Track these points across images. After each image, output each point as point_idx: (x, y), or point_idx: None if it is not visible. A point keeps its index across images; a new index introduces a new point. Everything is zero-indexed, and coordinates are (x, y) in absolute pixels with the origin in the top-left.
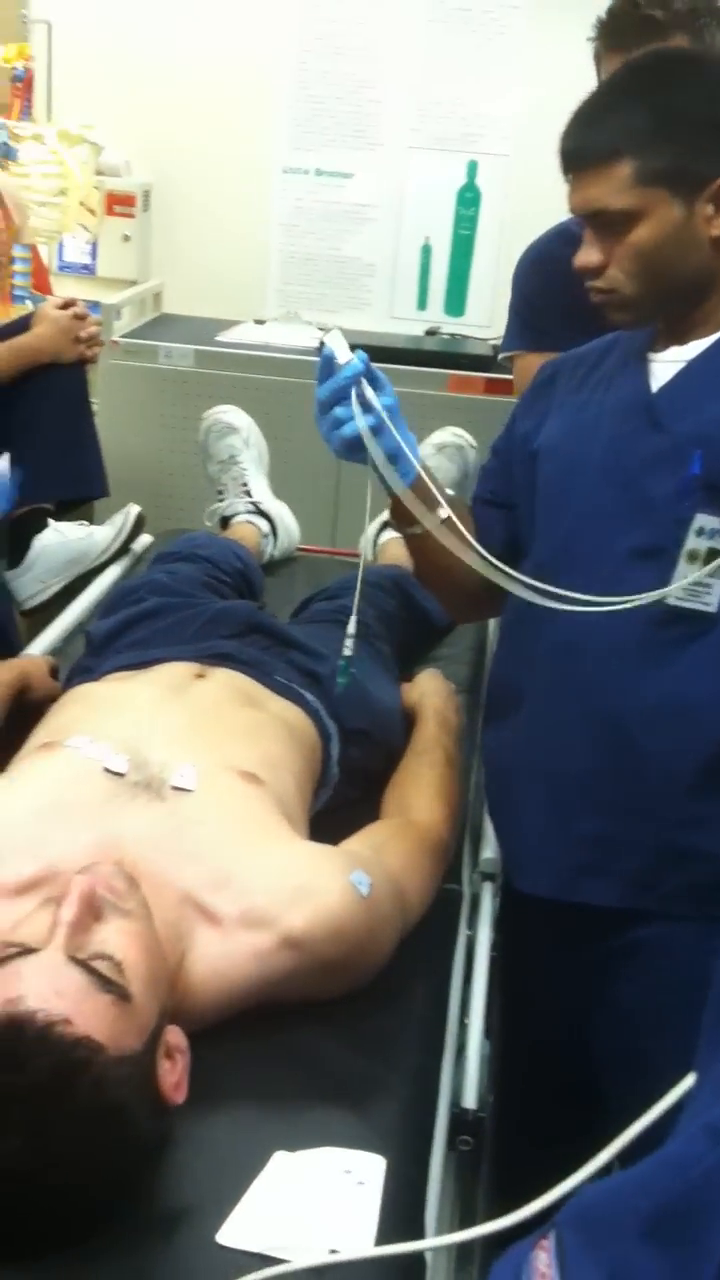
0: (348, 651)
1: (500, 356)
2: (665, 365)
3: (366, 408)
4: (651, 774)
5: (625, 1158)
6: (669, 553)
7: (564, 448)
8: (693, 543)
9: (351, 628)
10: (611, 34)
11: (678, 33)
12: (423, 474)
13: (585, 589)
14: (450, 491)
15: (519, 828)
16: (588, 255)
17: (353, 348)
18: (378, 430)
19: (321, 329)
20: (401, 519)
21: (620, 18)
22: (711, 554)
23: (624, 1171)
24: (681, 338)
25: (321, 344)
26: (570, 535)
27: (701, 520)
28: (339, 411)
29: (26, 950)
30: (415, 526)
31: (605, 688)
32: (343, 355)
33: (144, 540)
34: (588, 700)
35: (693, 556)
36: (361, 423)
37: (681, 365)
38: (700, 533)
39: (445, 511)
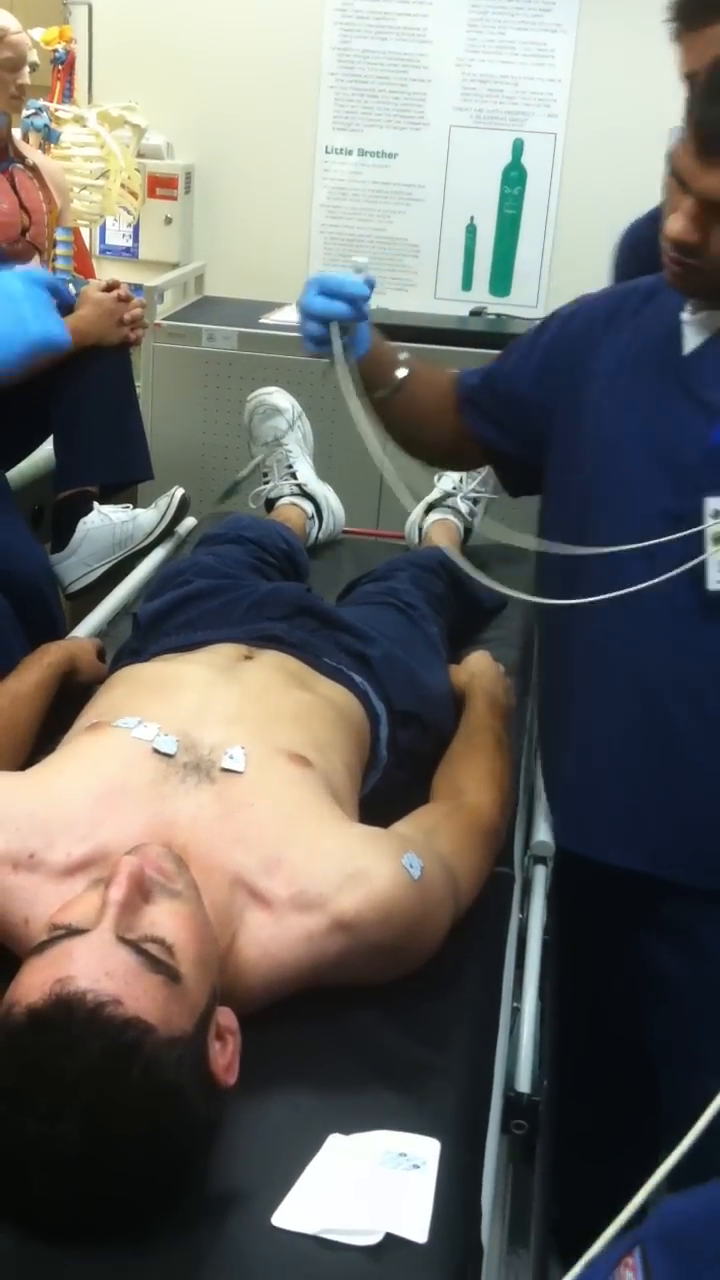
0: None
1: None
2: (698, 329)
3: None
4: (680, 743)
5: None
6: (695, 519)
7: (603, 407)
8: (716, 526)
9: None
10: (685, 13)
11: None
12: (379, 344)
13: (614, 544)
14: (404, 354)
15: (556, 786)
16: (688, 232)
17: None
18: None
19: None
20: (371, 388)
21: None
22: None
23: (715, 1185)
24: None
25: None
26: (606, 491)
27: (715, 503)
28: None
29: (76, 931)
30: (380, 391)
31: (640, 656)
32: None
33: (188, 523)
34: (622, 666)
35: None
36: (337, 346)
37: (713, 332)
38: (717, 515)
39: (403, 371)
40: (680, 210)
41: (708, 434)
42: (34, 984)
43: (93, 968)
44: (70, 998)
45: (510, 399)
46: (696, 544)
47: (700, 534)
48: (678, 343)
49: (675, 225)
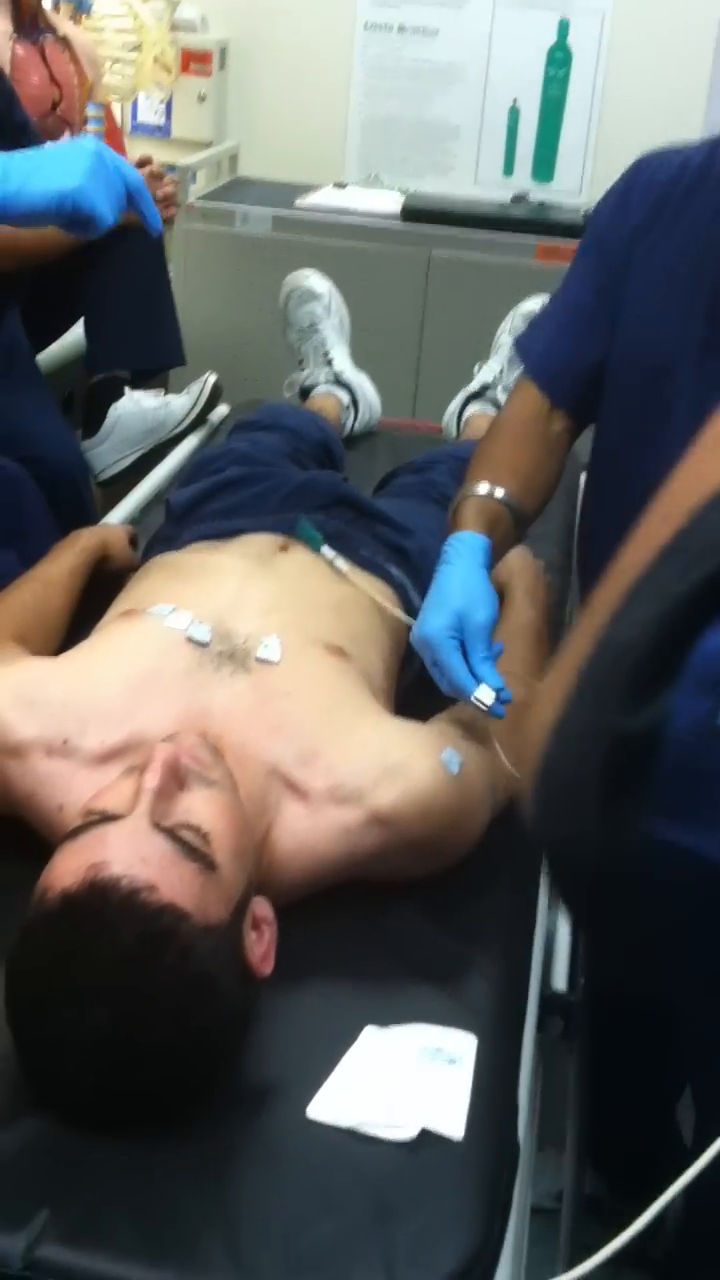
0: None
1: None
2: None
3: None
4: None
5: None
6: None
7: (644, 317)
8: None
9: None
10: None
11: None
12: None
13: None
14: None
15: None
16: None
17: None
18: None
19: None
20: None
21: None
22: None
23: None
24: None
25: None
26: (653, 412)
27: None
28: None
29: (110, 817)
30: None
31: None
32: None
33: (221, 410)
34: None
35: None
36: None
37: None
38: None
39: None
40: None
41: None
42: (68, 869)
43: (127, 854)
44: (104, 883)
45: (577, 317)
46: None
47: None
48: None
49: None
